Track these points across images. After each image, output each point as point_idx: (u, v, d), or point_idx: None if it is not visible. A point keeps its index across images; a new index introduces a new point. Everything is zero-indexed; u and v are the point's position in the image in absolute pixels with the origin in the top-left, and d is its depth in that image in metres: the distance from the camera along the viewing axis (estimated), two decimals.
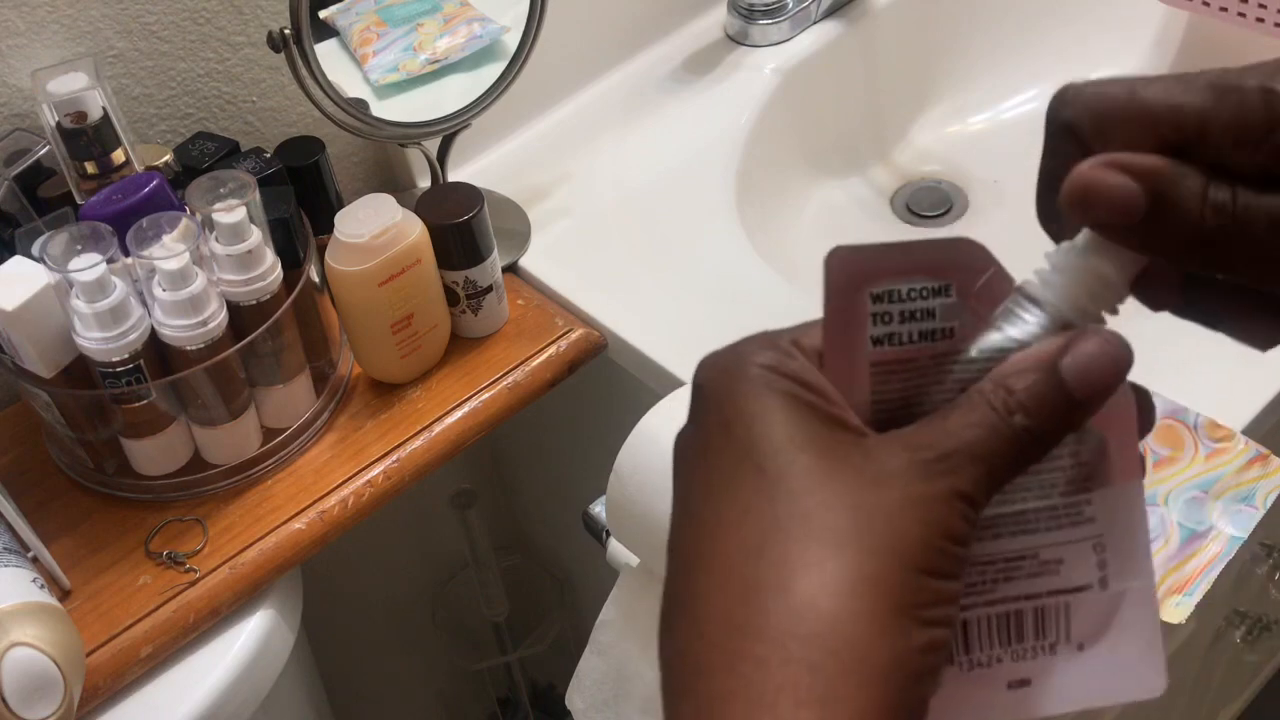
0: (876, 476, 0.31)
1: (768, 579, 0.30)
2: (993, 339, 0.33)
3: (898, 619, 0.30)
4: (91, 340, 0.74)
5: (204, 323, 0.75)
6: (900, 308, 0.33)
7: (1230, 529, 0.74)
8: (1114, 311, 0.33)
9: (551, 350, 0.90)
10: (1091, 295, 0.33)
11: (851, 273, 0.33)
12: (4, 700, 0.65)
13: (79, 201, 0.79)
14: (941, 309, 0.33)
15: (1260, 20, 1.01)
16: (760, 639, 0.30)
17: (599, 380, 0.95)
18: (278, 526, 0.81)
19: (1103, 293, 0.33)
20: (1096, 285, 0.33)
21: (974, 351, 0.33)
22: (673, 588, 0.32)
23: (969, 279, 0.33)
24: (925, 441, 0.32)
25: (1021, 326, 0.33)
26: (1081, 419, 0.32)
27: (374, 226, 0.80)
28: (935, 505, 0.31)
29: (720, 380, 0.33)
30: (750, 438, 0.32)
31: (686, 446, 0.34)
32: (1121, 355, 0.32)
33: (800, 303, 0.90)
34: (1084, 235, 0.33)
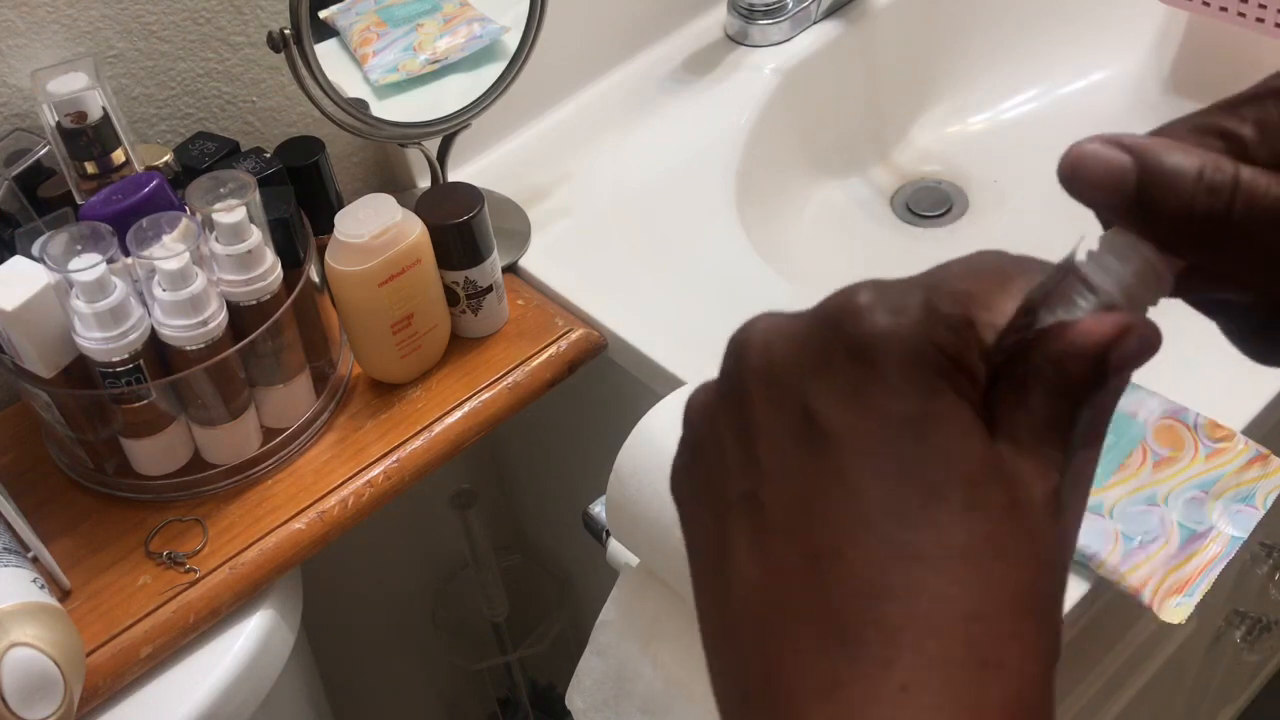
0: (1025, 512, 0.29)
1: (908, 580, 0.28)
2: (1046, 321, 0.31)
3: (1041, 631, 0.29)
4: (91, 340, 0.74)
5: (204, 323, 0.75)
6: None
7: (1230, 529, 0.74)
8: (1156, 301, 0.32)
9: (551, 350, 0.90)
10: (1143, 282, 0.32)
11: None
12: (4, 700, 0.65)
13: (79, 201, 0.79)
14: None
15: (1260, 20, 1.01)
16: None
17: (599, 380, 0.95)
18: (278, 526, 0.81)
19: (1153, 281, 0.32)
20: (1148, 273, 0.32)
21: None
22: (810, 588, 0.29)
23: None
24: (1049, 462, 0.29)
25: (1074, 312, 0.31)
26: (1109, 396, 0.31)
27: (374, 226, 0.80)
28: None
29: (890, 350, 0.30)
30: (898, 427, 0.29)
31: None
32: (1155, 342, 0.30)
33: (800, 303, 0.90)
34: None
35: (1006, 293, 0.30)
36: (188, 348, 0.76)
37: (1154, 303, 0.32)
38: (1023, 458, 0.29)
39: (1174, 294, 0.33)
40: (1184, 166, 0.30)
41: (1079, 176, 0.30)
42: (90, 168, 0.79)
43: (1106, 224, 0.32)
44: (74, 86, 0.78)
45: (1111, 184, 0.30)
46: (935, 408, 0.29)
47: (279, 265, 0.79)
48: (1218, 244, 0.30)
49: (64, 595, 0.78)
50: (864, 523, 0.28)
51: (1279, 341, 0.35)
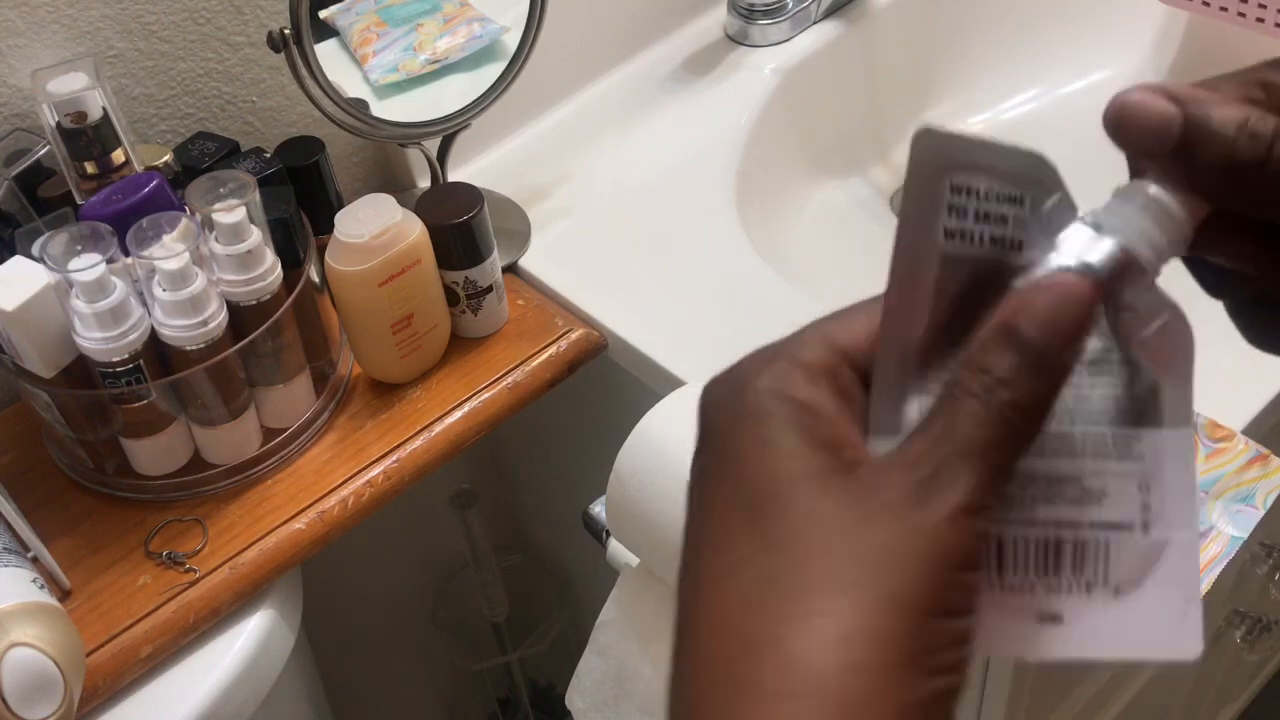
0: (871, 511, 0.29)
1: (764, 634, 0.29)
2: (1053, 262, 0.32)
3: (901, 672, 0.28)
4: (91, 340, 0.74)
5: (204, 323, 0.75)
6: (977, 206, 0.32)
7: (1230, 529, 0.74)
8: (1175, 251, 0.32)
9: (551, 350, 0.90)
10: (1157, 223, 0.32)
11: (938, 155, 0.31)
12: (4, 700, 0.65)
13: (79, 201, 0.79)
14: (1014, 218, 0.32)
15: (1260, 20, 1.01)
16: (756, 698, 0.28)
17: (599, 380, 0.95)
18: (278, 526, 0.81)
19: (1167, 224, 0.32)
20: (1162, 216, 0.32)
21: (1038, 272, 0.32)
22: (678, 634, 0.31)
23: (1040, 197, 0.32)
24: (917, 456, 0.30)
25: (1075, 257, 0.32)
26: (1064, 370, 0.31)
27: (374, 226, 0.80)
28: (938, 533, 0.29)
29: (718, 411, 0.32)
30: (745, 477, 0.31)
31: (693, 481, 0.33)
32: (1076, 290, 0.30)
33: (800, 302, 0.90)
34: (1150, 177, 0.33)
35: (850, 310, 0.33)
36: (188, 348, 0.76)
37: (1172, 250, 0.32)
38: (891, 458, 0.31)
39: (1196, 251, 0.33)
40: (1229, 114, 0.30)
41: (1125, 121, 0.31)
42: (90, 168, 0.79)
43: (1137, 174, 0.33)
44: (74, 86, 0.78)
45: (1157, 130, 0.31)
46: (731, 438, 0.31)
47: (279, 265, 0.79)
48: (1255, 192, 0.31)
49: (64, 595, 0.78)
50: (719, 578, 0.31)
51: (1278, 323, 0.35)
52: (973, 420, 0.30)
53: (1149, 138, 0.31)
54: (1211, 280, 0.36)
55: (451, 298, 0.88)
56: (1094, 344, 0.32)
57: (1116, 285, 0.32)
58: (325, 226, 0.83)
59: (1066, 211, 0.32)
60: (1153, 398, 0.33)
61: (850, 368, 0.32)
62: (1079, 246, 0.32)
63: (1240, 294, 0.36)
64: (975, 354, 0.31)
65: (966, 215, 0.32)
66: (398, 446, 0.85)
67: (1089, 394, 0.32)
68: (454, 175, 0.98)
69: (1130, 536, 0.33)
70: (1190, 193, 0.32)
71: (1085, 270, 0.31)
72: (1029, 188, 0.32)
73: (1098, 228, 0.32)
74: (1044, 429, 0.31)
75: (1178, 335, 0.33)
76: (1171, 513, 0.33)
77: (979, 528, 0.30)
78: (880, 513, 0.29)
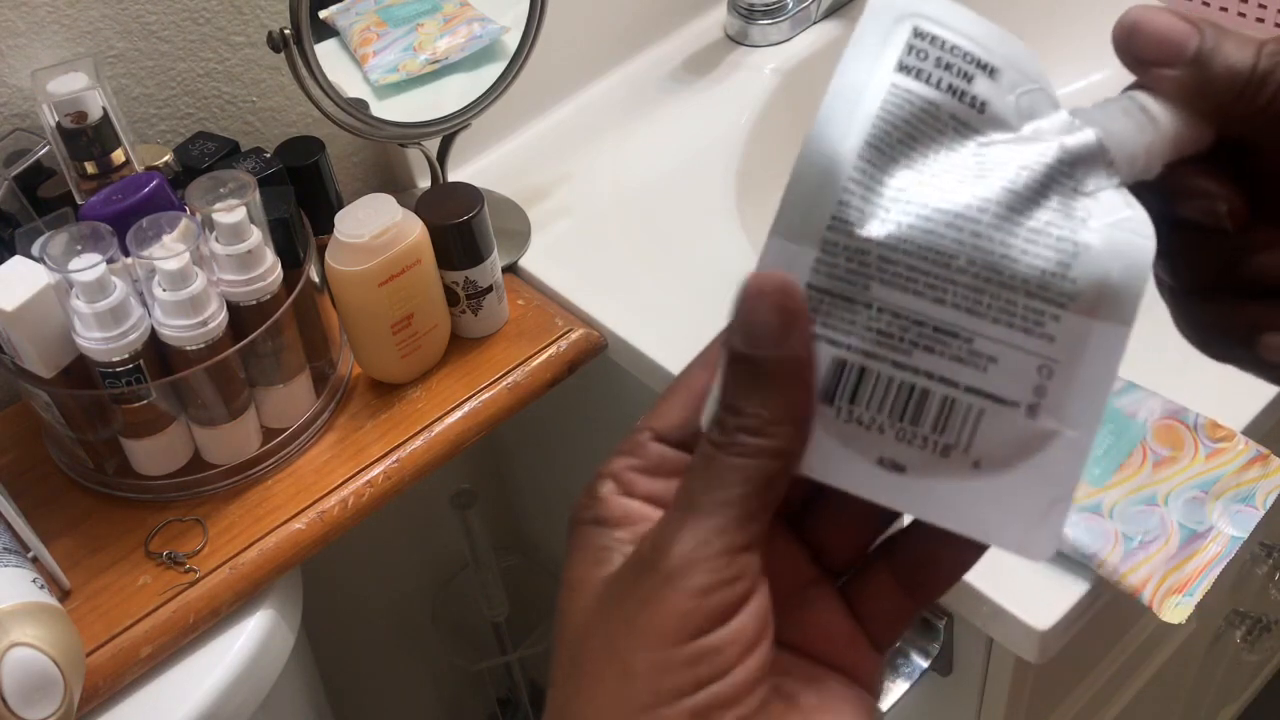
0: (620, 594, 0.30)
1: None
2: (1013, 134, 0.31)
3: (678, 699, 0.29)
4: (91, 340, 0.74)
5: (204, 323, 0.75)
6: (939, 54, 0.31)
7: (1230, 529, 0.74)
8: (1156, 159, 0.32)
9: (551, 350, 0.90)
10: (1139, 128, 0.31)
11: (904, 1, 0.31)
12: (4, 700, 0.65)
13: (79, 201, 0.79)
14: (981, 83, 0.31)
15: (1260, 20, 1.01)
16: None
17: (599, 380, 0.95)
18: (278, 526, 0.81)
19: (1148, 130, 0.31)
20: (1145, 123, 0.32)
21: (991, 138, 0.31)
22: None
23: (1017, 80, 0.31)
24: (662, 524, 0.30)
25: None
26: (788, 366, 0.30)
27: (374, 226, 0.80)
28: (661, 609, 0.29)
29: (567, 543, 0.34)
30: (560, 600, 0.32)
31: None
32: (766, 284, 0.30)
33: None
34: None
35: (667, 396, 0.33)
36: (188, 348, 0.76)
37: (1150, 158, 0.32)
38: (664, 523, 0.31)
39: (1178, 201, 0.33)
40: (1243, 39, 0.31)
41: (1139, 34, 0.31)
42: (90, 168, 0.79)
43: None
44: (74, 86, 0.78)
45: (1174, 43, 0.31)
46: (567, 559, 0.33)
47: (279, 265, 0.79)
48: (1263, 120, 0.31)
49: (64, 595, 0.78)
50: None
51: (1216, 322, 0.35)
52: (700, 463, 0.30)
53: (1165, 48, 0.31)
54: (1166, 265, 0.35)
55: (451, 298, 0.88)
56: (1047, 208, 0.31)
57: (1082, 169, 0.31)
58: (325, 226, 0.83)
59: (1044, 102, 0.32)
60: (1090, 286, 0.30)
61: (677, 448, 0.33)
62: (1054, 129, 0.31)
63: (1188, 281, 0.35)
64: (717, 388, 0.31)
65: (926, 58, 0.31)
66: (398, 446, 0.85)
67: (1017, 256, 0.30)
68: (454, 175, 0.98)
69: (1010, 415, 0.31)
70: (1194, 110, 0.31)
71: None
72: (1007, 68, 0.31)
73: (1075, 118, 0.31)
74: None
75: (1135, 235, 0.31)
76: (1072, 408, 0.31)
77: (733, 570, 0.29)
78: (632, 578, 0.30)
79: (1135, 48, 0.31)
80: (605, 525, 0.32)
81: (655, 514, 0.32)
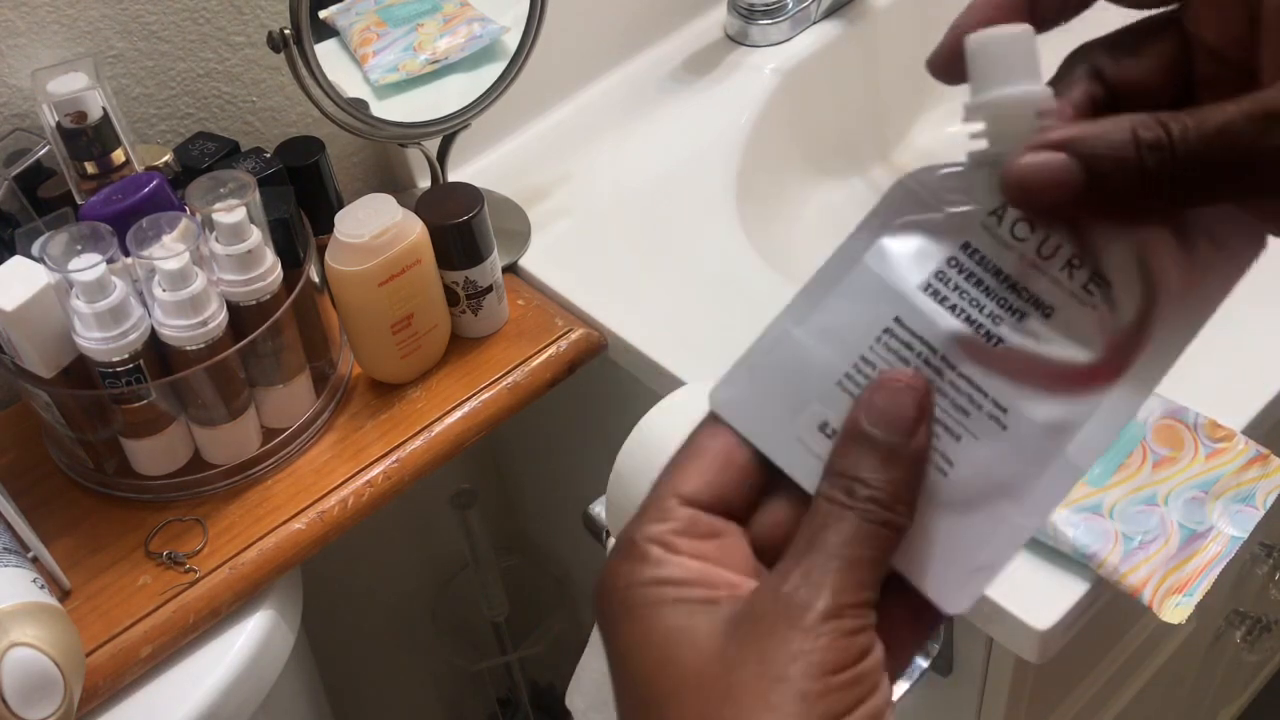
0: (748, 639, 0.32)
1: None
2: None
3: None
4: (91, 340, 0.74)
5: (204, 323, 0.75)
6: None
7: (1230, 529, 0.74)
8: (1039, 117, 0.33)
9: (551, 350, 0.90)
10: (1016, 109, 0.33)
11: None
12: (4, 700, 0.65)
13: (79, 201, 0.79)
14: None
15: None
16: None
17: (599, 380, 0.95)
18: (278, 526, 0.81)
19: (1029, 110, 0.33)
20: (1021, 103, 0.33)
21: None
22: None
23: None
24: (784, 570, 0.33)
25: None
26: (917, 456, 0.33)
27: (374, 226, 0.80)
28: (811, 639, 0.32)
29: (601, 618, 0.34)
30: (632, 679, 0.33)
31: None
32: (906, 382, 0.33)
33: None
34: None
35: (685, 461, 0.35)
36: (188, 348, 0.76)
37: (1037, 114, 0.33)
38: (764, 581, 0.33)
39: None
40: (1120, 138, 0.31)
41: (1032, 195, 0.32)
42: (90, 168, 0.79)
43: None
44: (74, 86, 0.78)
45: (1064, 189, 0.31)
46: (616, 638, 0.34)
47: (279, 265, 0.79)
48: (1190, 186, 0.31)
49: (64, 595, 0.78)
50: None
51: None
52: (833, 522, 0.33)
53: (1062, 193, 0.31)
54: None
55: (451, 298, 0.88)
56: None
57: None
58: (325, 226, 0.83)
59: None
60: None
61: (705, 510, 0.34)
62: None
63: None
64: (832, 459, 0.34)
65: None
66: (398, 446, 0.85)
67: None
68: (454, 175, 0.98)
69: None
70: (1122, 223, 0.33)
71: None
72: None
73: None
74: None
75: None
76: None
77: (862, 621, 0.32)
78: (763, 627, 0.32)
79: (1036, 199, 0.32)
80: (680, 584, 0.33)
81: (720, 573, 0.33)
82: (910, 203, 0.35)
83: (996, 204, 0.34)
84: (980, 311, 0.34)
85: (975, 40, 0.34)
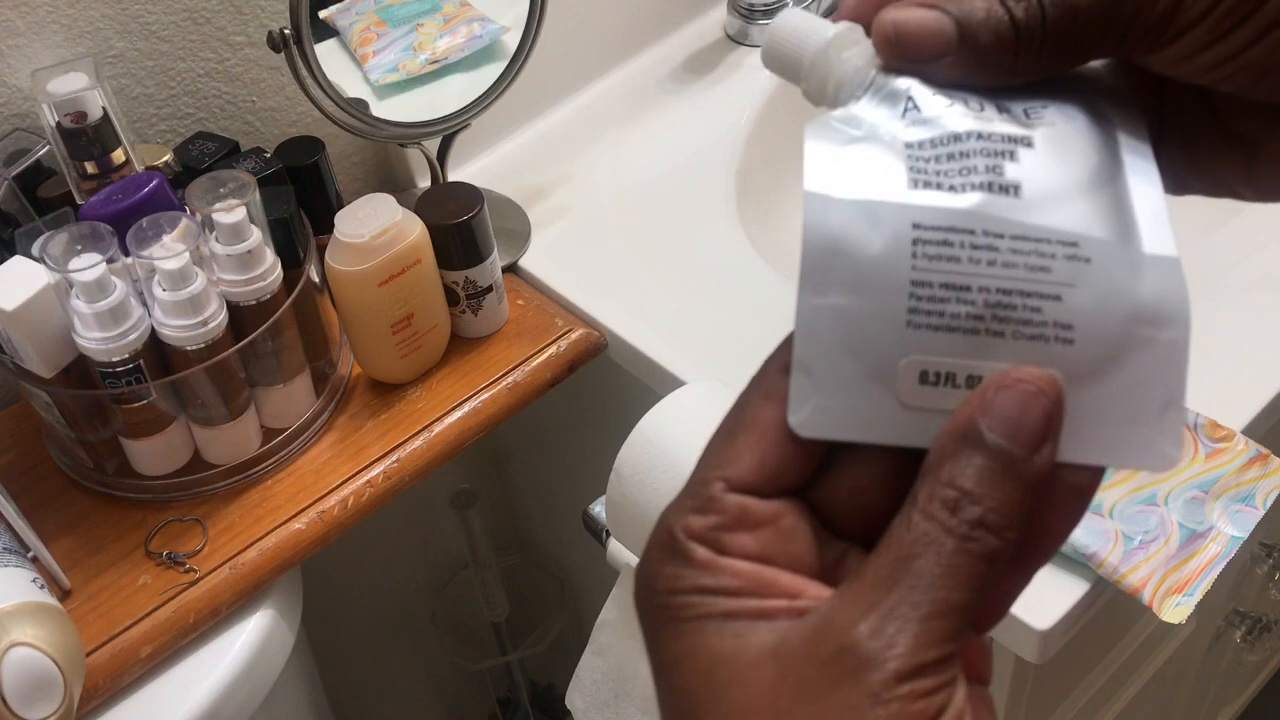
0: (812, 676, 0.27)
1: None
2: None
3: None
4: (91, 340, 0.74)
5: (204, 323, 0.75)
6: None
7: (1230, 529, 0.74)
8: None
9: (551, 350, 0.90)
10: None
11: None
12: (4, 700, 0.65)
13: (79, 201, 0.79)
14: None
15: None
16: None
17: (599, 380, 0.95)
18: (278, 526, 0.81)
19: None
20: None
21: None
22: None
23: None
24: (867, 602, 0.27)
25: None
26: (1040, 475, 0.28)
27: (374, 226, 0.80)
28: (889, 697, 0.27)
29: (643, 618, 0.30)
30: (676, 701, 0.29)
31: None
32: (1043, 385, 0.29)
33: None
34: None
35: (733, 438, 0.30)
36: (188, 348, 0.76)
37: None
38: (837, 603, 0.28)
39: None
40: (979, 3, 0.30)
41: (904, 44, 0.31)
42: (90, 168, 0.79)
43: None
44: (74, 86, 0.78)
45: (936, 37, 0.31)
46: (657, 646, 0.30)
47: (279, 265, 0.79)
48: (1059, 50, 0.30)
49: (64, 595, 0.78)
50: None
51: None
52: (927, 549, 0.28)
53: (932, 42, 0.31)
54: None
55: (451, 298, 0.88)
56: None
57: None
58: (325, 226, 0.83)
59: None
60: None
61: (758, 494, 0.30)
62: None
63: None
64: (933, 461, 0.28)
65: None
66: (398, 446, 0.85)
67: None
68: (454, 175, 0.98)
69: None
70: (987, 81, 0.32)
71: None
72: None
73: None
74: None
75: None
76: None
77: (942, 678, 0.27)
78: (825, 676, 0.27)
79: (906, 52, 0.31)
80: (730, 595, 0.29)
81: (776, 577, 0.29)
82: (827, 141, 0.33)
83: (901, 102, 0.32)
84: (978, 173, 0.30)
85: (767, 40, 0.34)
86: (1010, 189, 0.30)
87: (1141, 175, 0.31)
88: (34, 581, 0.71)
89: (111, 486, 0.83)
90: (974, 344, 0.30)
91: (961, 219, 0.30)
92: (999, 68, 0.31)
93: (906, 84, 0.32)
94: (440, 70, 0.94)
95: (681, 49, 1.13)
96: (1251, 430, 0.79)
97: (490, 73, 0.93)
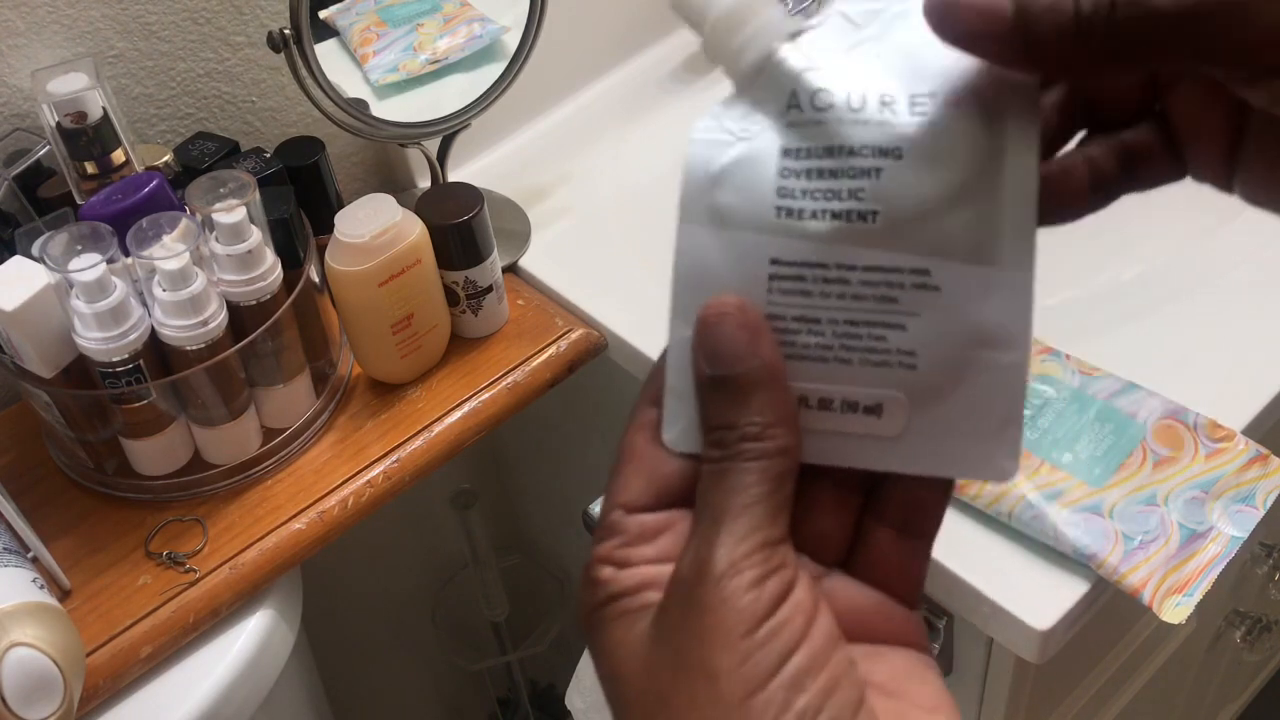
0: (669, 638, 0.31)
1: None
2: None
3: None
4: (91, 340, 0.74)
5: (204, 323, 0.75)
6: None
7: (1230, 529, 0.74)
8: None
9: (551, 350, 0.90)
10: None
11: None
12: (4, 700, 0.65)
13: (79, 201, 0.79)
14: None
15: None
16: None
17: (599, 380, 0.95)
18: (278, 526, 0.81)
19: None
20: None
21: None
22: None
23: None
24: (682, 562, 0.32)
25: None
26: (759, 376, 0.32)
27: (374, 226, 0.80)
28: (718, 598, 0.30)
29: (586, 639, 0.34)
30: (605, 688, 0.33)
31: None
32: (716, 311, 0.32)
33: None
34: None
35: (619, 469, 0.34)
36: (188, 348, 0.76)
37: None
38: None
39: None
40: None
41: (953, 12, 0.29)
42: (90, 168, 0.79)
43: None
44: (74, 86, 0.78)
45: (989, 16, 0.29)
46: (593, 657, 0.34)
47: (279, 265, 0.79)
48: (1113, 52, 0.29)
49: (64, 595, 0.78)
50: None
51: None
52: (714, 483, 0.32)
53: (987, 17, 0.29)
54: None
55: (451, 298, 0.88)
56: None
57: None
58: (325, 226, 0.83)
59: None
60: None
61: (653, 510, 0.34)
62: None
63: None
64: (700, 420, 0.33)
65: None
66: (398, 446, 0.85)
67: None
68: (454, 175, 0.98)
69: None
70: (1029, 72, 0.30)
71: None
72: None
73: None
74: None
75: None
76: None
77: (763, 569, 0.31)
78: (675, 619, 0.31)
79: (953, 25, 0.30)
80: (625, 596, 0.33)
81: (669, 568, 0.33)
82: (707, 160, 0.33)
83: (785, 95, 0.32)
84: (840, 199, 0.31)
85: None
86: (869, 216, 0.31)
87: (1016, 182, 0.31)
88: (34, 581, 0.71)
89: (111, 486, 0.83)
90: (823, 370, 0.32)
91: (816, 254, 0.32)
92: (1048, 62, 0.29)
93: (799, 66, 0.32)
94: (440, 70, 0.94)
95: (681, 49, 1.13)
96: (1251, 430, 0.79)
97: (490, 73, 0.93)
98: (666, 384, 0.34)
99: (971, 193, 0.31)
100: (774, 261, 0.32)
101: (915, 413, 0.32)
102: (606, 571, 0.33)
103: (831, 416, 0.33)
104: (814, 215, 0.32)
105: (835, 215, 0.31)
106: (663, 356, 0.35)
